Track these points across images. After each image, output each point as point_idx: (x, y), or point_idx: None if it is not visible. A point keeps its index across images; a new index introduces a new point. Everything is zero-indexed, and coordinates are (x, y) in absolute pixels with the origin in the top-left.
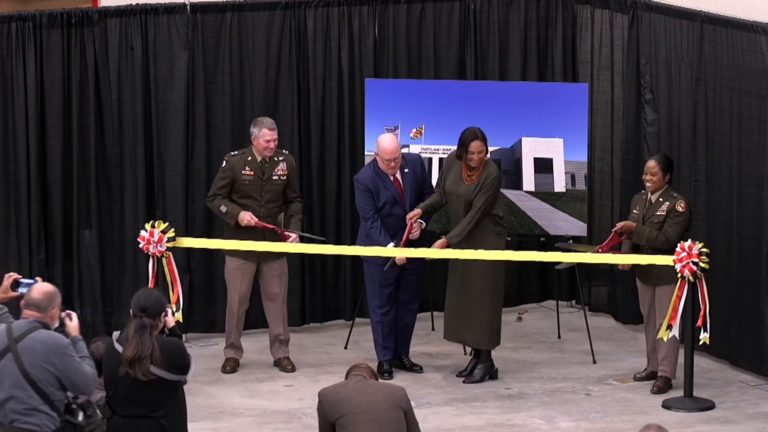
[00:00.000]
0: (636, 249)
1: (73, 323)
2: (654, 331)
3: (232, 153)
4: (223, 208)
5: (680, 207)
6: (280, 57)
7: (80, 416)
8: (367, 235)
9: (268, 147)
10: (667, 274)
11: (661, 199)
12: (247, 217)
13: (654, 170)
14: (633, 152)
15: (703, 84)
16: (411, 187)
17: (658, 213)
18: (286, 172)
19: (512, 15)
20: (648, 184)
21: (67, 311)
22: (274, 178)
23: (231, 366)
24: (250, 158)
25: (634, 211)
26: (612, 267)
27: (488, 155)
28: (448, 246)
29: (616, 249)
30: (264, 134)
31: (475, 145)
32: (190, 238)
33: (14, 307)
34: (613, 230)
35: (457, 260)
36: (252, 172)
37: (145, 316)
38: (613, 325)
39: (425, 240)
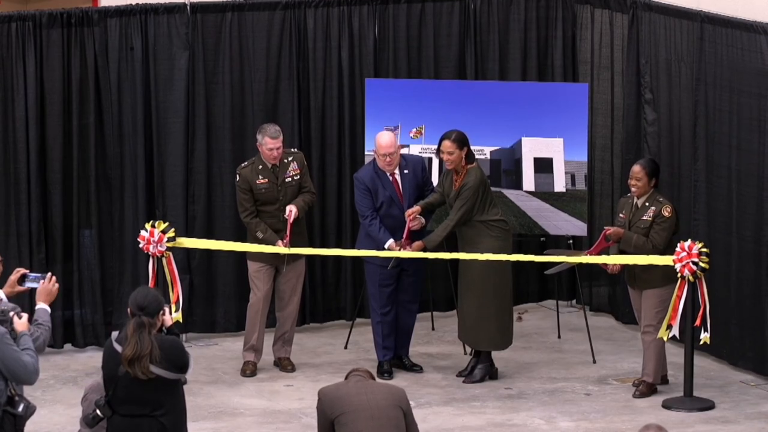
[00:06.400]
0: (623, 255)
1: (21, 321)
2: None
3: (242, 165)
4: (260, 235)
5: (666, 212)
6: (280, 57)
7: (20, 407)
8: (367, 234)
9: (272, 155)
10: (652, 278)
11: (647, 204)
12: (280, 244)
13: (639, 175)
14: (633, 152)
15: (703, 84)
16: (410, 189)
17: (644, 218)
18: (298, 171)
19: (512, 15)
20: (633, 189)
21: (18, 312)
22: (288, 180)
23: (251, 370)
24: (261, 166)
25: (621, 215)
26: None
27: (475, 163)
28: (424, 249)
29: (604, 254)
30: (266, 143)
31: (444, 145)
32: (189, 239)
33: (21, 302)
34: (602, 233)
35: (461, 263)
36: (266, 180)
37: (144, 314)
38: (613, 325)
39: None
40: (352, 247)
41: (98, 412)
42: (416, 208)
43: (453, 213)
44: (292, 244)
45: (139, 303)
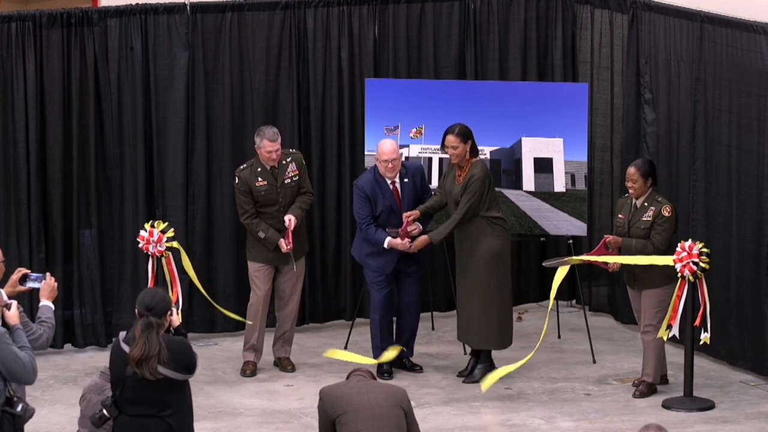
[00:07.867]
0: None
1: (11, 313)
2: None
3: (241, 167)
4: (262, 234)
5: (666, 212)
6: (280, 57)
7: (19, 407)
8: (363, 239)
9: (270, 158)
10: (652, 278)
11: (646, 204)
12: (283, 245)
13: (634, 177)
14: (633, 152)
15: (703, 84)
16: (409, 198)
17: (644, 218)
18: (297, 172)
19: (512, 15)
20: (630, 191)
21: (7, 302)
22: (287, 181)
23: (251, 370)
24: (259, 168)
25: (620, 215)
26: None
27: (479, 156)
28: (429, 243)
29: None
30: (265, 146)
31: (448, 140)
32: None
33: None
34: (601, 241)
35: (459, 261)
36: (265, 182)
37: (152, 315)
38: (613, 325)
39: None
40: (351, 246)
41: (105, 411)
42: (415, 212)
43: (461, 206)
44: (294, 248)
45: (146, 303)
